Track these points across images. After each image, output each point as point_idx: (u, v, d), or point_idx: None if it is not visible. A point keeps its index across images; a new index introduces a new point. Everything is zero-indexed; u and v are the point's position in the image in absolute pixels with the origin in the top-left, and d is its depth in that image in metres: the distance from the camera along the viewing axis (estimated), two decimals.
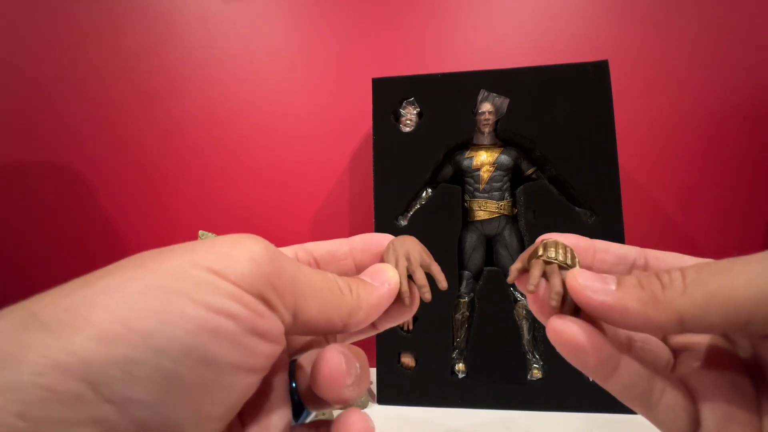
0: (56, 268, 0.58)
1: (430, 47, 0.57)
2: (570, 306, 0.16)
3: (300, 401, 0.17)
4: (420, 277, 0.18)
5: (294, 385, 0.17)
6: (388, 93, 0.50)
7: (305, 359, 0.18)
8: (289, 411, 0.16)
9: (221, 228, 0.54)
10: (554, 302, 0.16)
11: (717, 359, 0.16)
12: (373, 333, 0.20)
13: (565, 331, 0.15)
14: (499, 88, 0.48)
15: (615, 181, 0.45)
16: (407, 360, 0.47)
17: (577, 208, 0.46)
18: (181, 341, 0.11)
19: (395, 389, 0.47)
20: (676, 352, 0.17)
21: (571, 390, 0.43)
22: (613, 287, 0.15)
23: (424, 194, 0.49)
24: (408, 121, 0.50)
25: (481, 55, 0.56)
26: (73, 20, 0.59)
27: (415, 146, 0.49)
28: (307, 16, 0.59)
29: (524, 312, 0.46)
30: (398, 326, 0.46)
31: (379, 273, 0.18)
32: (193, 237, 0.53)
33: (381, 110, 0.50)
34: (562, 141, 0.47)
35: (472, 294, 0.48)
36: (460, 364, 0.46)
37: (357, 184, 0.58)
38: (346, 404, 0.15)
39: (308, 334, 0.16)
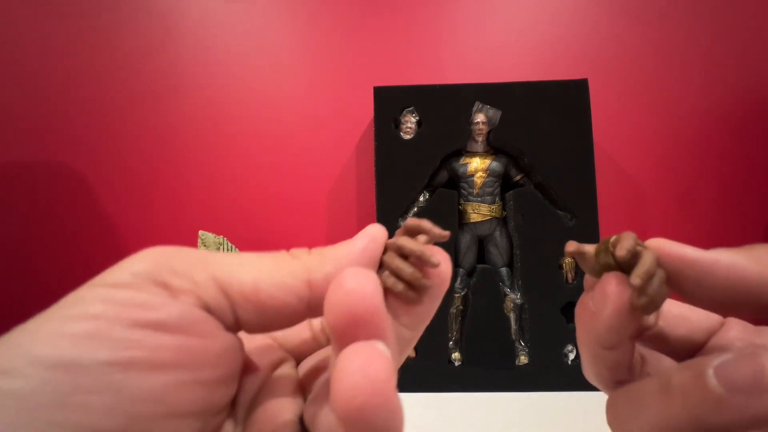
0: (56, 268, 0.57)
1: (429, 59, 0.61)
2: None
3: None
4: (412, 245, 0.14)
5: None
6: (389, 101, 0.53)
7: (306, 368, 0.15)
8: None
9: (221, 229, 0.55)
10: (654, 293, 0.13)
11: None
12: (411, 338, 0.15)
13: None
14: (491, 100, 0.52)
15: (592, 187, 0.51)
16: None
17: (558, 212, 0.52)
18: (31, 356, 0.10)
19: (398, 378, 0.51)
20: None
21: (554, 373, 0.49)
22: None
23: (421, 198, 0.53)
24: (408, 129, 0.53)
25: (476, 68, 0.60)
26: (72, 20, 0.58)
27: (414, 153, 0.52)
28: (310, 17, 0.60)
29: (512, 305, 0.51)
30: None
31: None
32: (194, 237, 0.54)
33: (382, 117, 0.53)
34: (547, 150, 0.52)
35: (466, 289, 0.52)
36: (456, 353, 0.51)
37: (359, 187, 0.60)
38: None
39: (267, 315, 0.13)
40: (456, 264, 0.52)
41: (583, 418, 0.43)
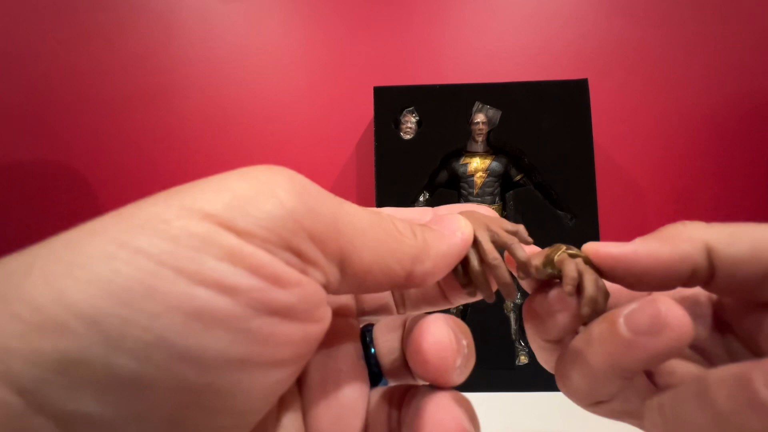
0: None
1: (429, 59, 0.61)
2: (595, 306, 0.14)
3: (380, 372, 0.14)
4: (493, 255, 0.14)
5: (374, 351, 0.15)
6: (389, 101, 0.53)
7: (382, 328, 0.15)
8: (363, 385, 0.14)
9: None
10: (597, 304, 0.13)
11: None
12: (444, 306, 0.16)
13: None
14: (491, 100, 0.52)
15: (592, 187, 0.51)
16: None
17: (558, 212, 0.52)
18: (146, 329, 0.08)
19: None
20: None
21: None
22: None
23: (421, 198, 0.53)
24: (408, 129, 0.53)
25: (476, 68, 0.60)
26: (72, 19, 0.57)
27: (414, 153, 0.52)
28: (310, 17, 0.60)
29: (512, 305, 0.51)
30: None
31: (447, 221, 0.14)
32: None
33: (382, 117, 0.53)
34: (547, 150, 0.52)
35: None
36: None
37: (359, 187, 0.60)
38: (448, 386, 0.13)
39: (360, 291, 0.13)
40: None
41: (583, 418, 0.43)
